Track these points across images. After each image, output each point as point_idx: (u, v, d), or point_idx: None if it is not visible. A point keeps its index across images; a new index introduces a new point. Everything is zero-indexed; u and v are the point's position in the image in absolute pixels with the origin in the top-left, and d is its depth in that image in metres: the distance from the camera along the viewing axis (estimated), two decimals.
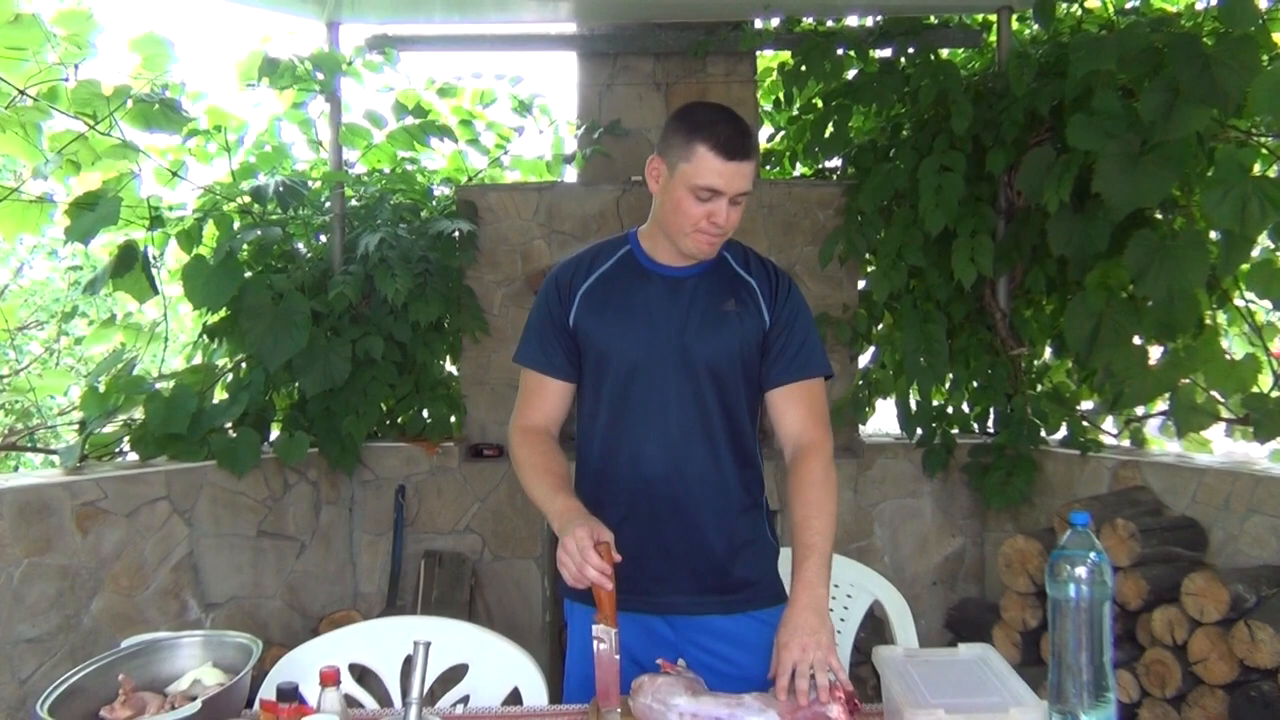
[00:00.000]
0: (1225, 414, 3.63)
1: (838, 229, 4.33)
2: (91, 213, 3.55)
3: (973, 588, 4.35)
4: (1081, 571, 1.64)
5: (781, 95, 5.02)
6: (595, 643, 1.73)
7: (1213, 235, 3.52)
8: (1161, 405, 3.96)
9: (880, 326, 4.57)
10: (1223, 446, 3.99)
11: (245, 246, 4.07)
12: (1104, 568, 1.64)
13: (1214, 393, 3.61)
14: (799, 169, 5.11)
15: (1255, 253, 3.55)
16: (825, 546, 1.86)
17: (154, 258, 3.99)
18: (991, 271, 4.05)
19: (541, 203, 4.45)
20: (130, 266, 3.80)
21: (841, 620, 2.37)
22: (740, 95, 4.64)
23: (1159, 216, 3.81)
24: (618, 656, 1.72)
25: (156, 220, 3.93)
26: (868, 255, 4.40)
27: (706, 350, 1.94)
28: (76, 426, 3.81)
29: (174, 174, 4.07)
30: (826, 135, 4.63)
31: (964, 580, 4.36)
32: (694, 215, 1.87)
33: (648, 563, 1.95)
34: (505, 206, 4.45)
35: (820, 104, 4.73)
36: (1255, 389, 3.51)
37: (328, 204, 4.40)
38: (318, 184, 4.43)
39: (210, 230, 4.05)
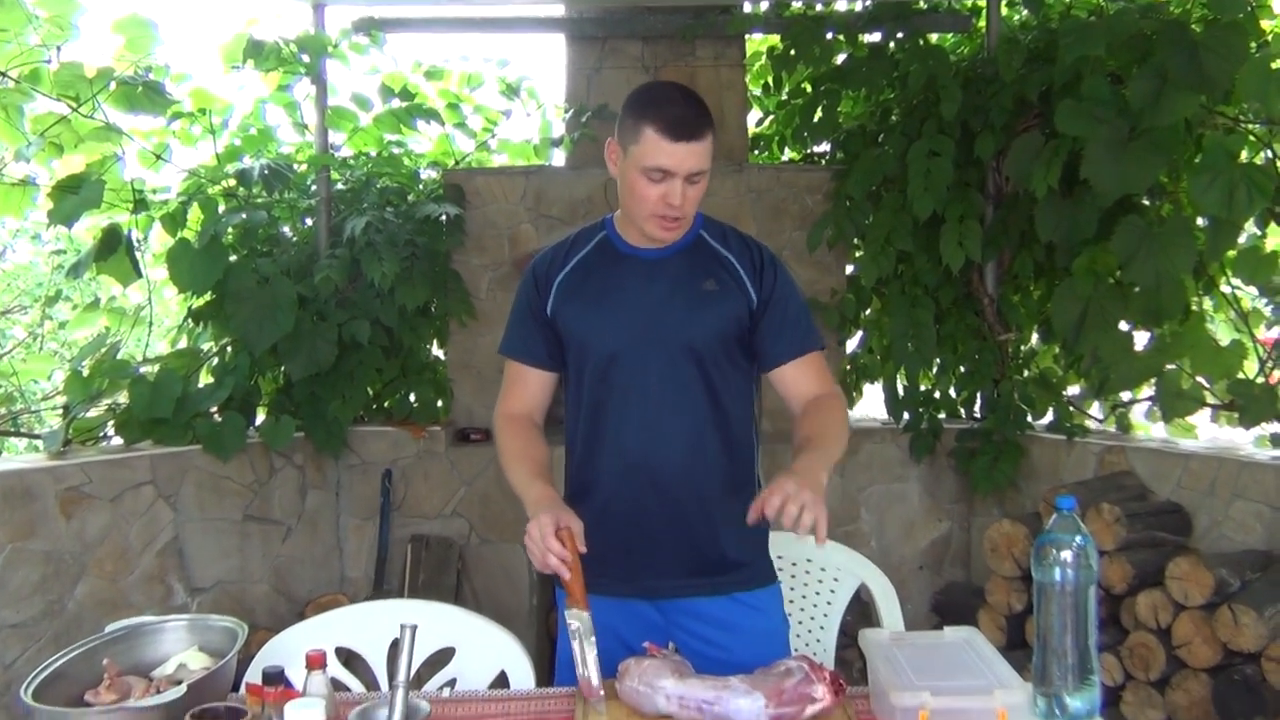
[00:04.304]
0: (1211, 399, 3.65)
1: (826, 214, 4.33)
2: (74, 196, 3.52)
3: (959, 572, 4.37)
4: (1067, 555, 1.64)
5: (770, 79, 5.01)
6: (568, 627, 1.75)
7: (1200, 221, 3.53)
8: (1148, 391, 3.98)
9: (868, 311, 4.57)
10: (1208, 432, 4.01)
11: (230, 230, 4.04)
12: (1089, 552, 1.65)
13: (1200, 378, 3.63)
14: (787, 154, 5.10)
15: (1242, 239, 3.56)
16: (832, 451, 1.85)
17: (138, 241, 3.96)
18: (980, 257, 4.06)
19: (529, 187, 4.43)
20: (114, 250, 3.77)
21: (828, 603, 2.38)
22: (729, 79, 4.63)
23: (1146, 203, 3.82)
24: (593, 639, 1.72)
25: (140, 203, 3.90)
26: (856, 240, 4.40)
27: (686, 332, 1.93)
28: (60, 411, 3.79)
29: (158, 157, 4.04)
30: (815, 120, 4.62)
31: (950, 564, 4.38)
32: (649, 197, 1.85)
33: (632, 546, 1.96)
34: (492, 190, 4.44)
35: (809, 88, 4.72)
36: (1241, 375, 3.53)
37: (313, 187, 4.37)
38: (303, 167, 4.41)
39: (195, 213, 4.02)
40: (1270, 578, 2.93)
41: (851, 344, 4.64)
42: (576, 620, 1.74)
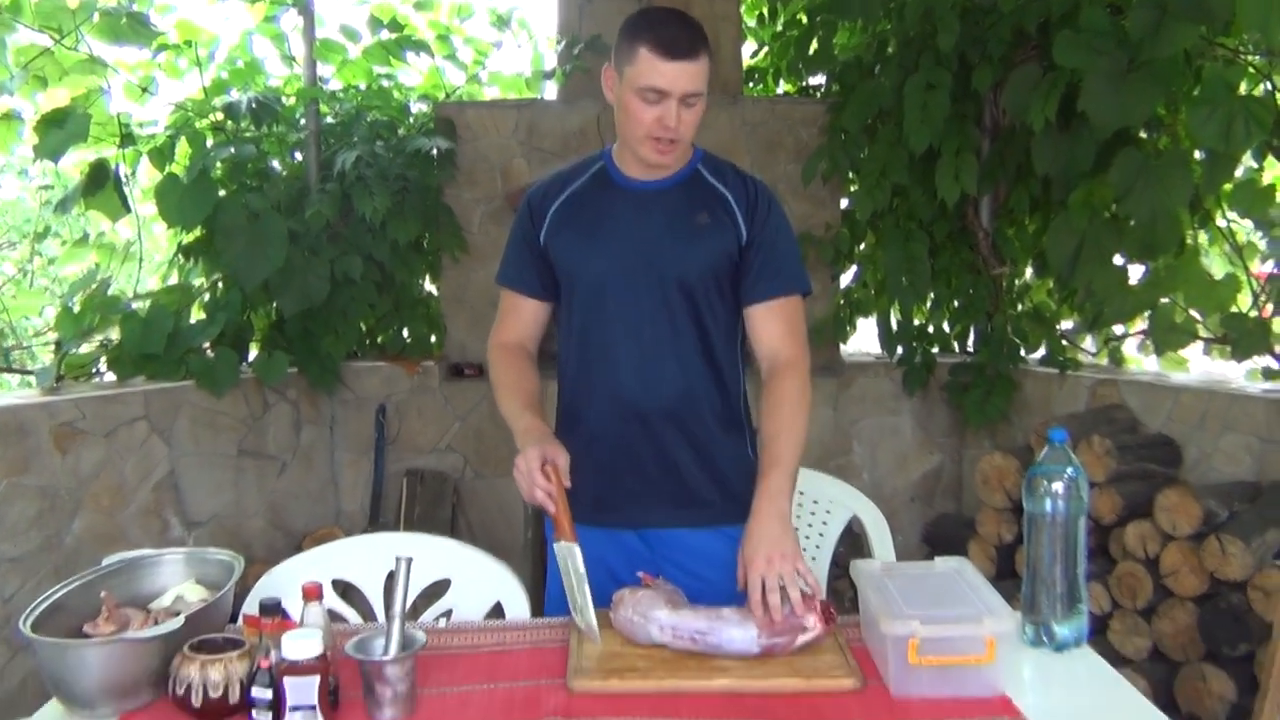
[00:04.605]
0: (1203, 333, 3.66)
1: (821, 147, 4.29)
2: (60, 129, 3.48)
3: (950, 504, 4.41)
4: (1058, 487, 1.66)
5: (765, 11, 4.93)
6: (558, 559, 1.78)
7: (1197, 155, 3.51)
8: (1141, 324, 3.98)
9: (862, 245, 4.55)
10: (1200, 365, 4.02)
11: (219, 164, 4.00)
12: (1080, 483, 1.66)
13: (1193, 312, 3.63)
14: (782, 86, 5.04)
15: (1239, 172, 3.54)
16: (790, 461, 1.86)
17: (126, 176, 3.93)
18: (975, 190, 4.03)
19: (521, 120, 4.38)
20: (102, 185, 3.74)
21: (820, 535, 2.40)
22: (723, 10, 4.55)
23: (1144, 135, 3.79)
24: (583, 571, 1.75)
25: (128, 137, 3.86)
26: (851, 174, 4.36)
27: (676, 264, 1.92)
28: (52, 347, 3.78)
29: (144, 90, 3.98)
30: (811, 52, 4.57)
31: (941, 496, 4.42)
32: (644, 119, 1.83)
33: (619, 477, 1.97)
34: (484, 124, 4.38)
35: (805, 20, 4.65)
36: (1234, 308, 3.53)
37: (303, 121, 4.32)
38: (292, 100, 4.35)
39: (183, 148, 3.97)
40: (1258, 509, 2.96)
41: (845, 278, 4.63)
42: (565, 552, 1.76)
